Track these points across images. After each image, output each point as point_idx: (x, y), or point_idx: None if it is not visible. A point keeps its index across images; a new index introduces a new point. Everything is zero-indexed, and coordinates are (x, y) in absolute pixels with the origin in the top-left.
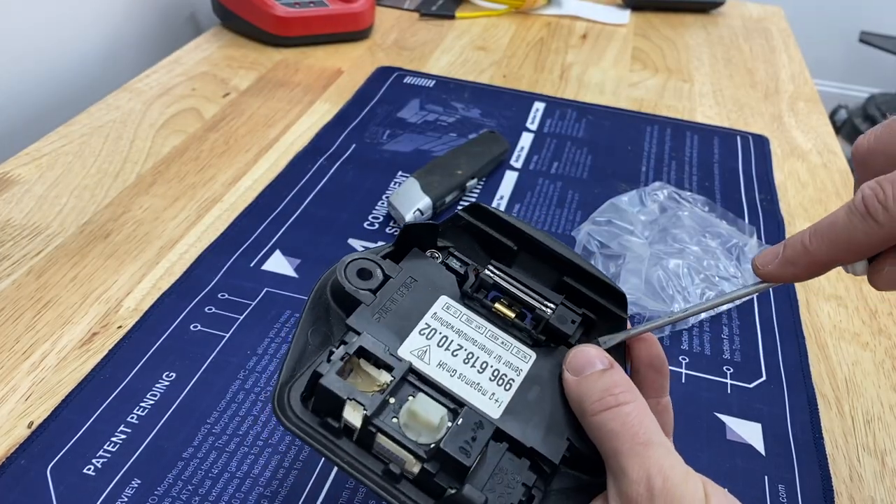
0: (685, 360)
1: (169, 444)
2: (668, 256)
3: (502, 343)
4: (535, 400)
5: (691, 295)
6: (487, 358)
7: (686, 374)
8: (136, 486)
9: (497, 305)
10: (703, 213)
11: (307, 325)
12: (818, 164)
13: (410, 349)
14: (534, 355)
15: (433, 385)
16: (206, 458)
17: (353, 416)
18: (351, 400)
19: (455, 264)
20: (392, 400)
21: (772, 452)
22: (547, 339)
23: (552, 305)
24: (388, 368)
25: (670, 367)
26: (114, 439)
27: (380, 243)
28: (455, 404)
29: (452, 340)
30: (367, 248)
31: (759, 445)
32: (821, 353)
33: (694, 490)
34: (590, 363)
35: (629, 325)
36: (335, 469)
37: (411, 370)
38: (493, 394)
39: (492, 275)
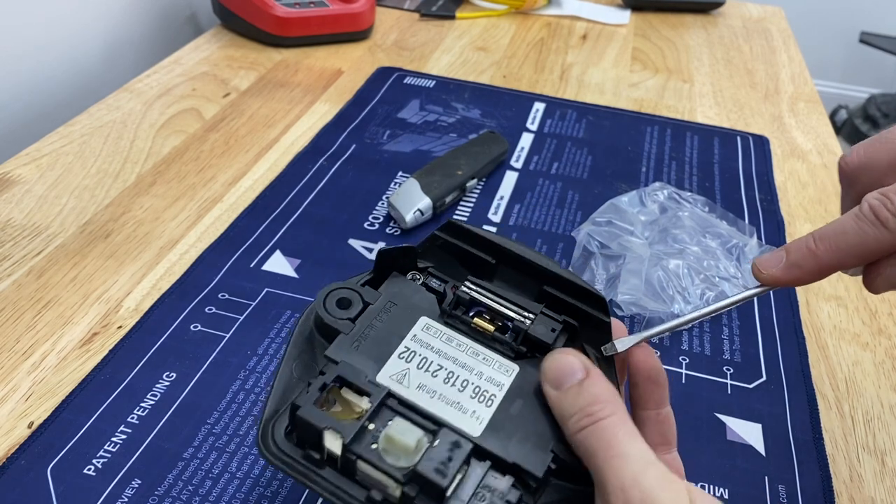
0: (685, 360)
1: (169, 444)
2: (669, 257)
3: (484, 359)
4: (518, 414)
5: (691, 295)
6: (468, 375)
7: (686, 374)
8: (136, 486)
9: (476, 320)
10: (703, 213)
11: (291, 358)
12: (818, 164)
13: (389, 374)
14: (516, 368)
15: (412, 408)
16: (206, 458)
17: (334, 444)
18: (328, 429)
19: (435, 284)
20: (371, 426)
21: (772, 453)
22: (528, 350)
23: (531, 316)
24: (365, 394)
25: (671, 368)
26: (114, 439)
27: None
28: (434, 425)
29: (432, 361)
30: (349, 278)
31: (759, 446)
32: (821, 354)
33: (676, 498)
34: (567, 373)
35: (621, 327)
36: None
37: (390, 395)
38: (474, 411)
39: (468, 291)
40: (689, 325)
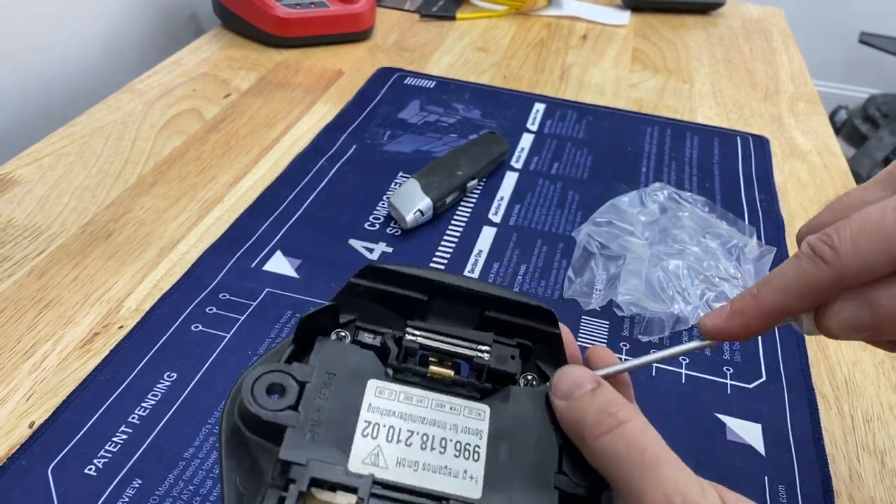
0: (685, 360)
1: (170, 444)
2: (669, 257)
3: (451, 409)
4: (507, 460)
5: (691, 296)
6: (444, 433)
7: (686, 374)
8: (137, 486)
9: (432, 368)
10: (703, 213)
11: (231, 472)
12: (818, 164)
13: (361, 458)
14: (486, 408)
15: (403, 489)
16: (207, 458)
17: None
18: None
19: (368, 338)
20: None
21: (772, 453)
22: (493, 385)
23: (486, 348)
24: (350, 489)
25: (670, 368)
26: (115, 439)
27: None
28: (435, 502)
29: (400, 429)
30: (261, 355)
31: (759, 446)
32: (820, 354)
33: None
34: (577, 384)
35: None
36: None
37: (374, 482)
38: (465, 471)
39: (415, 339)
40: (636, 369)
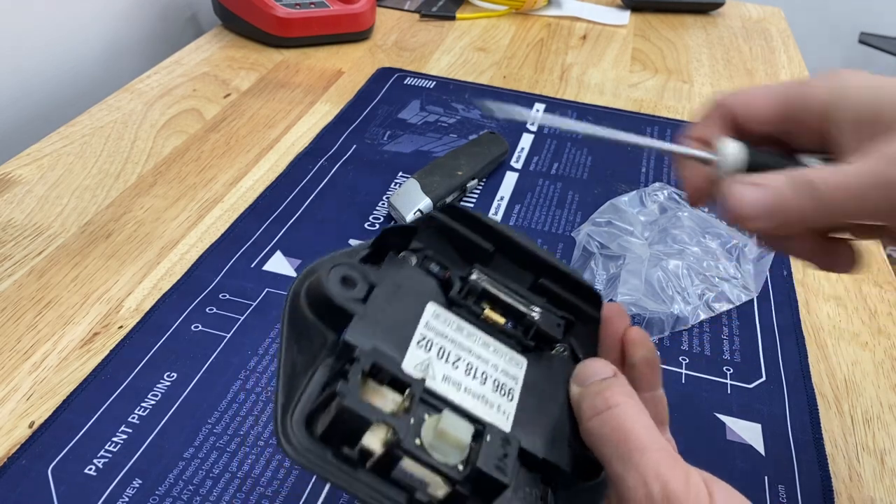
0: (685, 360)
1: (170, 444)
2: (668, 257)
3: (494, 350)
4: (535, 409)
5: (691, 296)
6: (486, 367)
7: (686, 374)
8: (137, 486)
9: (487, 311)
10: (702, 213)
11: (291, 341)
12: None
13: (413, 364)
14: (525, 361)
15: (445, 401)
16: (206, 458)
17: (374, 441)
18: (379, 423)
19: (434, 268)
20: (411, 421)
21: (772, 453)
22: (536, 344)
23: (539, 309)
24: (401, 386)
25: (671, 368)
26: (115, 439)
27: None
28: (475, 423)
29: (450, 351)
30: (337, 252)
31: (759, 446)
32: (820, 354)
33: (696, 495)
34: (594, 373)
35: (621, 312)
36: None
37: (425, 388)
38: (499, 406)
39: (479, 280)
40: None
